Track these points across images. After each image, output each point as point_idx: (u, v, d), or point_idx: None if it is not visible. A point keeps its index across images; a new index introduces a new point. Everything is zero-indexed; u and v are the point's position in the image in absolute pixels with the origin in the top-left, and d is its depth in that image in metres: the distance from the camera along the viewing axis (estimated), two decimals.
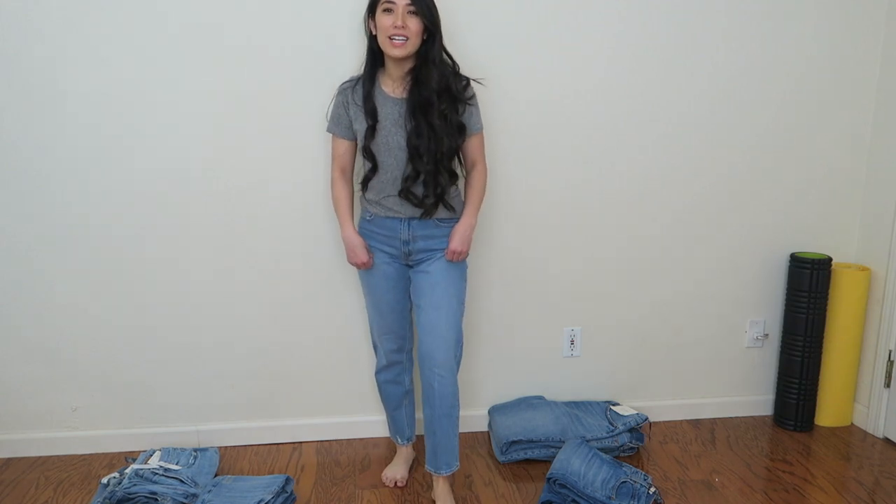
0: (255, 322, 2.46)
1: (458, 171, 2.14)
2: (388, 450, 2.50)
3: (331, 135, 2.16)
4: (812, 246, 2.69)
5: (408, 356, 2.29)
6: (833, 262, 2.62)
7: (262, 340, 2.48)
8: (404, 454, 2.37)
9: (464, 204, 2.17)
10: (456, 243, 2.11)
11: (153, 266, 2.37)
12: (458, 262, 2.15)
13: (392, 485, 2.29)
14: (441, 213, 2.10)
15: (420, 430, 2.37)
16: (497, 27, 2.34)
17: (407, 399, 2.33)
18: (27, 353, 2.39)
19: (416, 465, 2.39)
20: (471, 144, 2.13)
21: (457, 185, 2.14)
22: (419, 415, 2.30)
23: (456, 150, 2.10)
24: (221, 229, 2.38)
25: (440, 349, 2.07)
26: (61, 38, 2.18)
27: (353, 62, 2.26)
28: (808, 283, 2.57)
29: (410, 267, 2.17)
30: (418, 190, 2.05)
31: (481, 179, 2.17)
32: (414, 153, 2.02)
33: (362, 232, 2.18)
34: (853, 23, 2.53)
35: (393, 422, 2.35)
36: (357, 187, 2.22)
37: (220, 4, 2.22)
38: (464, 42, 2.30)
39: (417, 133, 2.01)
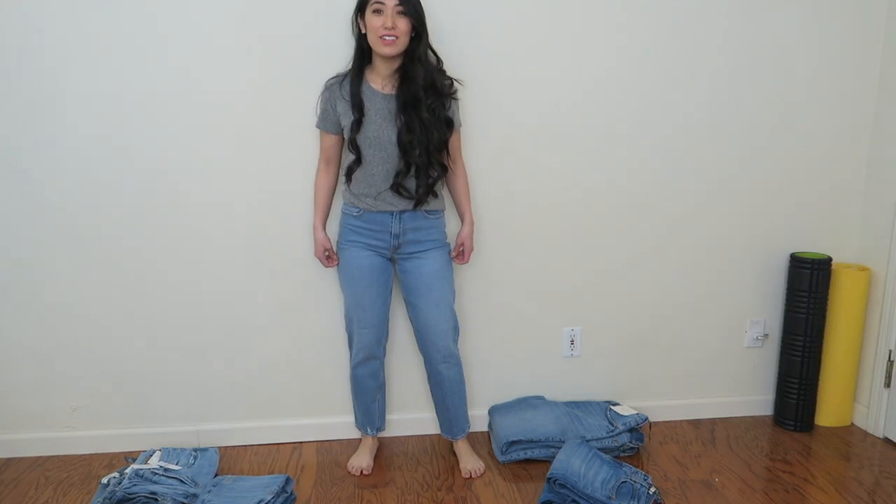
0: (255, 322, 2.46)
1: (447, 163, 2.22)
2: (388, 450, 2.50)
3: (319, 130, 2.24)
4: (812, 246, 2.69)
5: (384, 350, 2.35)
6: (833, 262, 2.62)
7: (262, 340, 2.48)
8: (369, 444, 2.42)
9: (456, 206, 2.32)
10: (468, 247, 2.33)
11: (153, 266, 2.37)
12: (445, 256, 2.28)
13: (358, 473, 2.33)
14: (430, 204, 2.19)
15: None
16: (488, 28, 2.34)
17: (380, 392, 2.40)
18: (27, 353, 2.38)
19: (415, 466, 2.39)
20: (450, 142, 2.22)
21: (444, 178, 2.23)
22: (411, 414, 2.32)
23: (445, 143, 2.19)
24: (221, 230, 2.38)
25: (443, 341, 2.27)
26: (62, 39, 2.18)
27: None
28: (808, 283, 2.57)
29: (395, 261, 2.26)
30: (410, 183, 2.14)
31: (464, 179, 2.31)
32: (407, 147, 2.10)
33: (348, 228, 2.24)
34: (854, 23, 2.53)
35: (366, 414, 2.39)
36: (342, 180, 2.25)
37: (221, 4, 2.22)
38: (462, 43, 2.31)
39: (409, 128, 2.09)
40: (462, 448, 2.40)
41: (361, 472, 2.33)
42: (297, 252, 2.42)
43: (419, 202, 2.16)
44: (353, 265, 2.23)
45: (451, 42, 2.29)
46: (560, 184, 2.51)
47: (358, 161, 2.14)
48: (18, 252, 2.31)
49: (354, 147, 2.13)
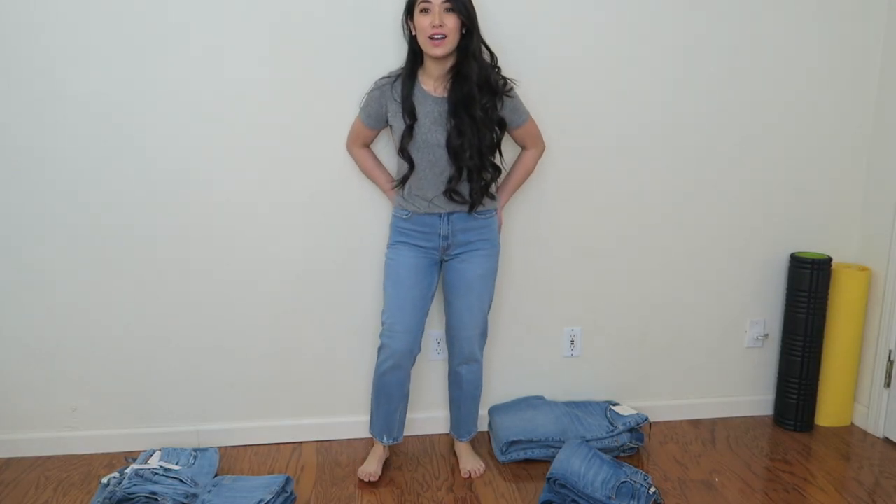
0: (255, 322, 2.46)
1: (500, 164, 2.21)
2: (388, 450, 2.49)
3: (362, 123, 2.23)
4: (812, 246, 2.69)
5: (413, 360, 2.27)
6: (833, 262, 2.62)
7: (262, 340, 2.48)
8: (379, 452, 2.35)
9: (501, 184, 2.31)
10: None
11: (153, 266, 2.37)
12: (493, 259, 2.24)
13: (367, 479, 2.29)
14: (484, 204, 2.18)
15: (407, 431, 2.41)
16: (508, 25, 2.34)
17: (404, 402, 2.33)
18: (27, 353, 2.38)
19: (415, 466, 2.39)
20: (522, 134, 2.24)
21: (497, 179, 2.22)
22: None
23: (498, 145, 2.17)
24: (222, 231, 2.38)
25: (468, 345, 2.27)
26: (69, 38, 2.18)
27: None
28: (808, 283, 2.57)
29: (445, 261, 2.24)
30: (463, 188, 2.12)
31: (529, 164, 2.30)
32: (458, 150, 2.07)
33: (396, 229, 2.22)
34: (854, 22, 2.54)
35: (385, 421, 2.31)
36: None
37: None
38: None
39: (459, 130, 2.07)
40: (463, 448, 2.40)
41: (368, 479, 2.29)
42: (296, 252, 2.42)
43: (473, 205, 2.14)
44: (400, 264, 2.20)
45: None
46: (559, 185, 2.51)
47: (412, 168, 2.12)
48: (19, 252, 2.31)
49: (406, 155, 2.11)
